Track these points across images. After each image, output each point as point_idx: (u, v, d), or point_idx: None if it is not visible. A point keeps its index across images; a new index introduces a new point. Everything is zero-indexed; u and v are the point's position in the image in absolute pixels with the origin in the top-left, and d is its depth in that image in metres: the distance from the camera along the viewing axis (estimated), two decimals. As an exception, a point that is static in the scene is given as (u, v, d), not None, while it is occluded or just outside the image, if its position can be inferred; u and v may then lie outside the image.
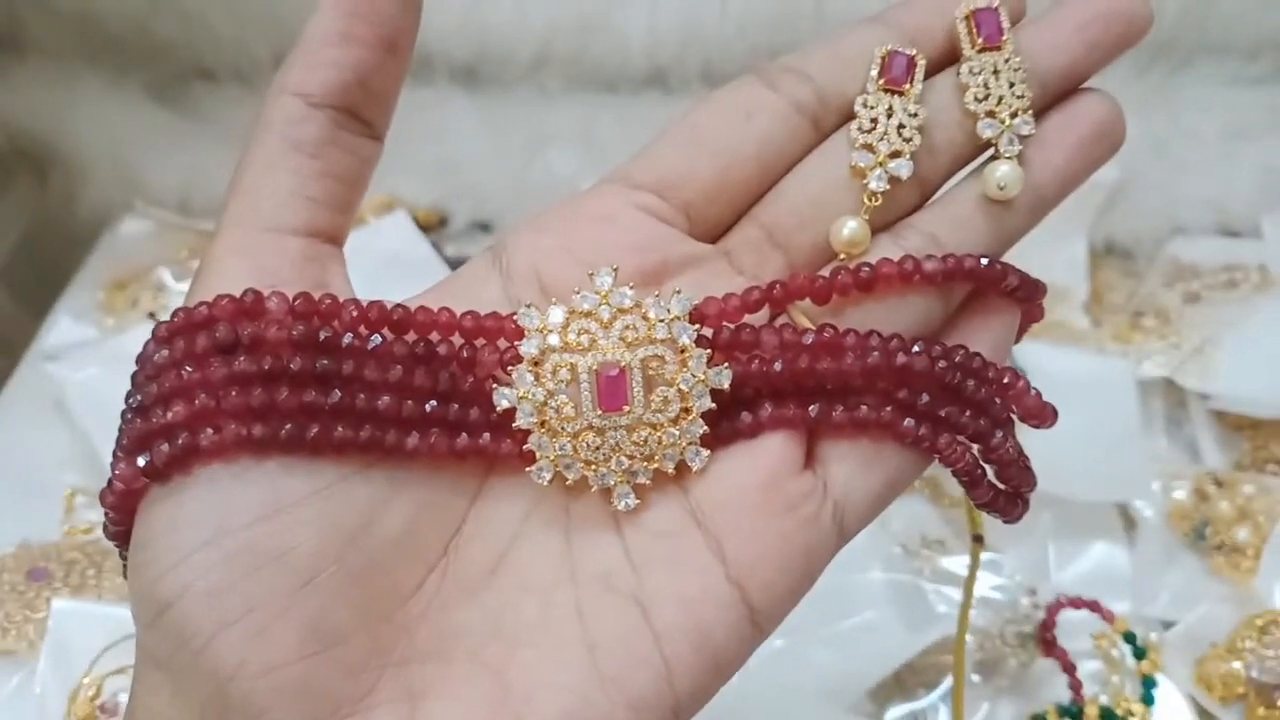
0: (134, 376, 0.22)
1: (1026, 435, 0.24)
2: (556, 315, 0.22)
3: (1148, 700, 0.43)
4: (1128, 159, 0.60)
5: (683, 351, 0.22)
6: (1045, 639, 0.44)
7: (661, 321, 0.22)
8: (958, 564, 0.46)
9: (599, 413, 0.22)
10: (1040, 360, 0.53)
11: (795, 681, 0.42)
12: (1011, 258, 0.25)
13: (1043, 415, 0.24)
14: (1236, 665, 0.42)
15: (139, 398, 0.22)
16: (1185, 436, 0.53)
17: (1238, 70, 0.63)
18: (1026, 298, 0.24)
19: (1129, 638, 0.44)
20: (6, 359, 0.57)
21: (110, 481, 0.21)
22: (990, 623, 0.44)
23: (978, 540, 0.32)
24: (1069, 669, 0.43)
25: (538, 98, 0.65)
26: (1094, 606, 0.44)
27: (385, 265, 0.57)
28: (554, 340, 0.22)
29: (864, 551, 0.46)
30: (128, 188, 0.63)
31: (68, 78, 0.65)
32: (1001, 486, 0.24)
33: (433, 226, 0.62)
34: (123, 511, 0.22)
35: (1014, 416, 0.24)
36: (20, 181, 0.67)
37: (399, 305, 0.22)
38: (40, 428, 0.52)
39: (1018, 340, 0.26)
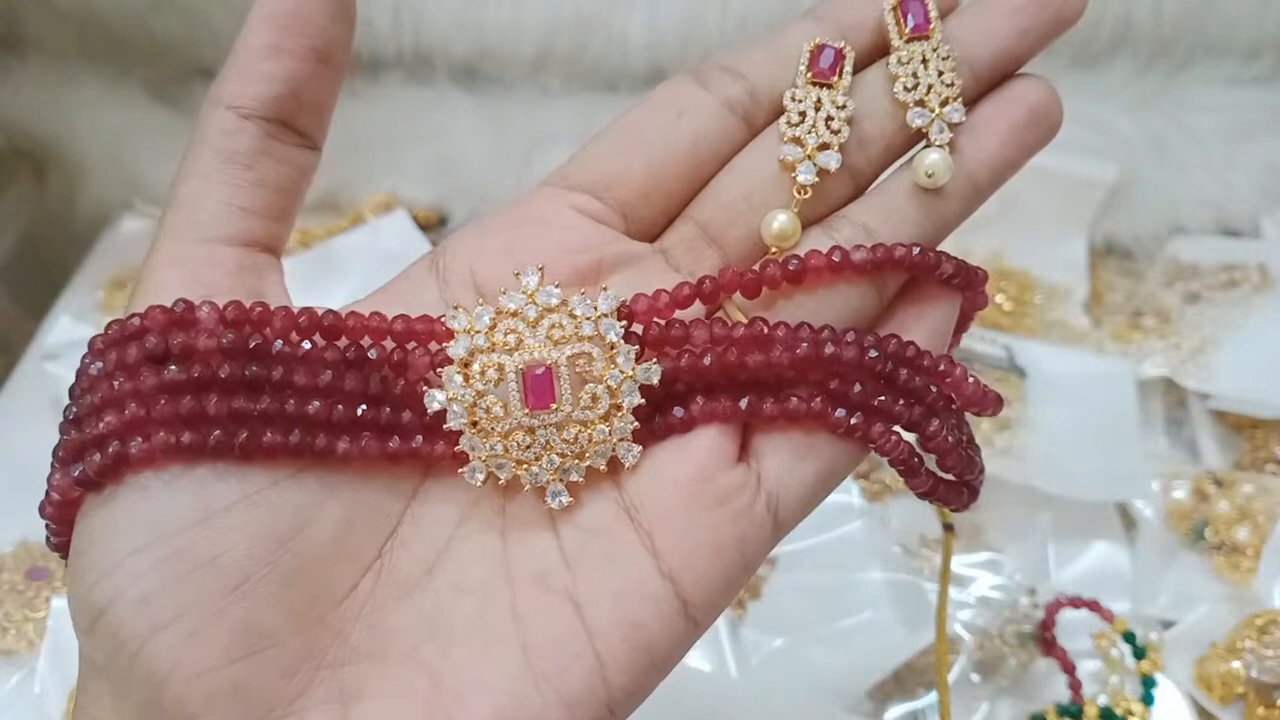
0: (71, 389, 0.22)
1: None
2: (483, 316, 0.22)
3: (1147, 700, 0.43)
4: (1128, 159, 0.60)
5: (611, 348, 0.22)
6: (1045, 639, 0.44)
7: (588, 319, 0.22)
8: (958, 563, 0.46)
9: (527, 411, 0.22)
10: (1040, 360, 0.53)
11: (794, 681, 0.42)
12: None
13: (983, 403, 0.24)
14: (1236, 665, 0.42)
15: (75, 409, 0.22)
16: (1185, 436, 0.53)
17: (1238, 70, 0.63)
18: (965, 285, 0.24)
19: (1129, 637, 0.44)
20: (6, 358, 0.57)
21: (47, 493, 0.22)
22: (990, 622, 0.44)
23: (948, 529, 0.32)
24: (1069, 669, 0.43)
25: (537, 97, 0.65)
26: (1093, 606, 0.44)
27: (384, 264, 0.56)
28: (481, 341, 0.22)
29: (863, 551, 0.46)
30: (127, 187, 0.63)
31: (68, 77, 0.65)
32: (946, 476, 0.24)
33: (432, 225, 0.62)
34: (61, 522, 0.22)
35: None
36: (20, 180, 0.67)
37: (330, 311, 0.23)
38: (40, 427, 0.52)
39: (964, 328, 0.26)
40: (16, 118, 0.64)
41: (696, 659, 0.43)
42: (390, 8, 0.62)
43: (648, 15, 0.62)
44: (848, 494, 0.48)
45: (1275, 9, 0.61)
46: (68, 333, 0.56)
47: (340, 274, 0.56)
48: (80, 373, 0.22)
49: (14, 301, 0.65)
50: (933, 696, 0.43)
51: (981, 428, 0.49)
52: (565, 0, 0.62)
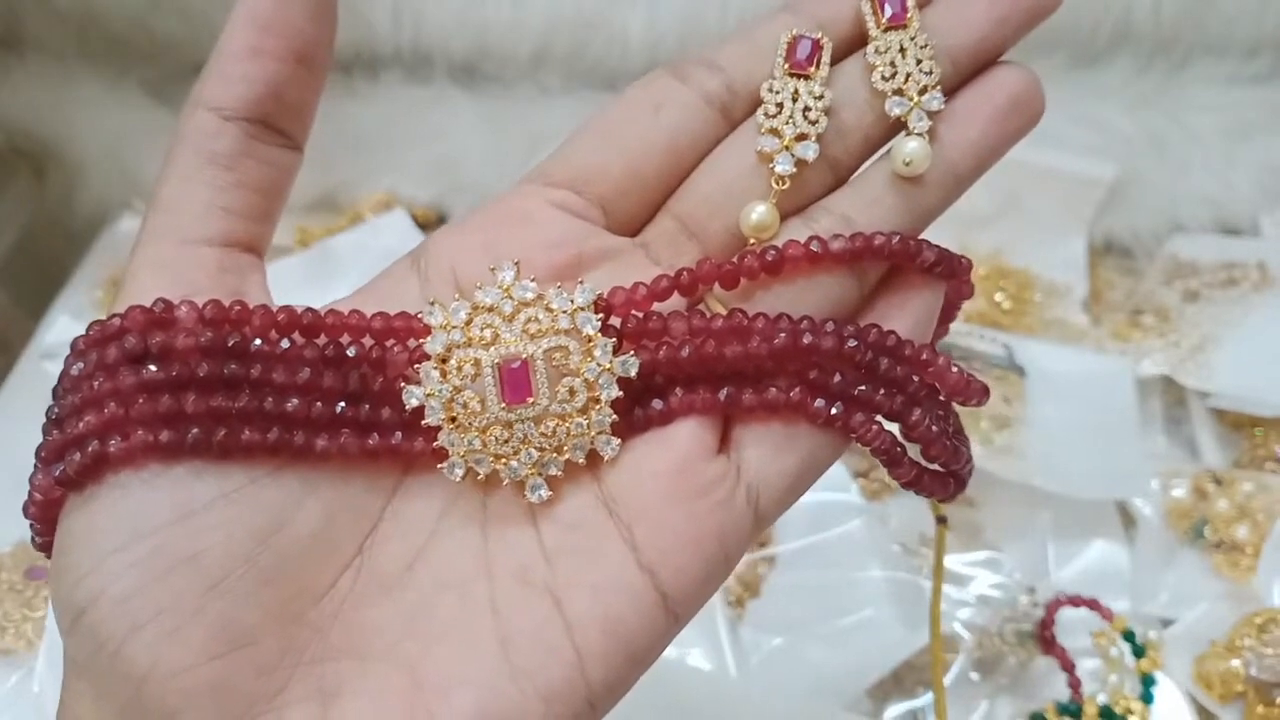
0: (54, 390, 0.22)
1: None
2: (460, 311, 0.22)
3: (1147, 698, 0.43)
4: (1127, 158, 0.60)
5: (588, 341, 0.22)
6: (1044, 637, 0.44)
7: (564, 312, 0.22)
8: (958, 562, 0.46)
9: (504, 405, 0.22)
10: (1039, 359, 0.53)
11: (794, 680, 0.42)
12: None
13: (967, 392, 0.24)
14: (1235, 663, 0.42)
15: (56, 410, 0.22)
16: (1184, 434, 0.53)
17: (1238, 69, 0.63)
18: (948, 274, 0.24)
19: (1128, 636, 0.44)
20: (5, 357, 0.57)
21: (30, 493, 0.22)
22: (989, 621, 0.44)
23: (941, 521, 0.32)
24: (1068, 667, 0.43)
25: (537, 96, 0.65)
26: (1093, 604, 0.44)
27: (383, 263, 0.56)
28: (458, 336, 0.22)
29: (862, 549, 0.46)
30: (126, 186, 0.62)
31: (67, 77, 0.65)
32: (932, 466, 0.24)
33: (431, 224, 0.62)
34: (44, 522, 0.22)
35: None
36: (18, 180, 0.67)
37: (309, 309, 0.23)
38: (39, 426, 0.52)
39: (951, 318, 0.26)
40: (16, 118, 0.64)
41: (696, 658, 0.43)
42: (390, 7, 0.62)
43: (648, 15, 0.62)
44: (847, 492, 0.48)
45: (1275, 8, 0.61)
46: (66, 332, 0.56)
47: (339, 273, 0.56)
48: (62, 374, 0.22)
49: (13, 301, 0.65)
50: (931, 695, 0.43)
51: (981, 426, 0.49)
52: (565, 0, 0.62)
